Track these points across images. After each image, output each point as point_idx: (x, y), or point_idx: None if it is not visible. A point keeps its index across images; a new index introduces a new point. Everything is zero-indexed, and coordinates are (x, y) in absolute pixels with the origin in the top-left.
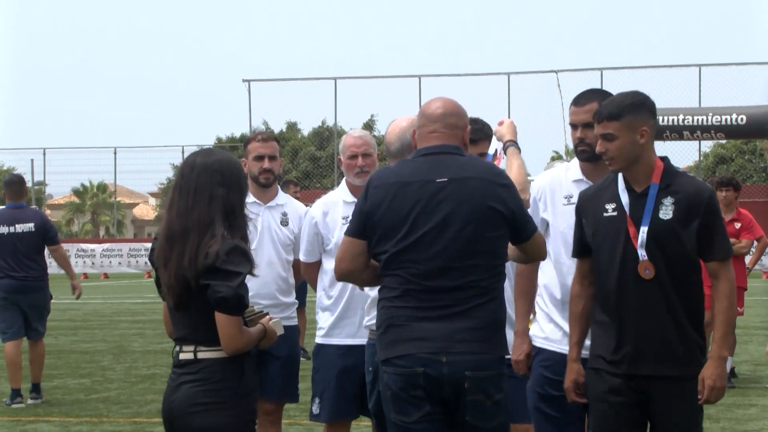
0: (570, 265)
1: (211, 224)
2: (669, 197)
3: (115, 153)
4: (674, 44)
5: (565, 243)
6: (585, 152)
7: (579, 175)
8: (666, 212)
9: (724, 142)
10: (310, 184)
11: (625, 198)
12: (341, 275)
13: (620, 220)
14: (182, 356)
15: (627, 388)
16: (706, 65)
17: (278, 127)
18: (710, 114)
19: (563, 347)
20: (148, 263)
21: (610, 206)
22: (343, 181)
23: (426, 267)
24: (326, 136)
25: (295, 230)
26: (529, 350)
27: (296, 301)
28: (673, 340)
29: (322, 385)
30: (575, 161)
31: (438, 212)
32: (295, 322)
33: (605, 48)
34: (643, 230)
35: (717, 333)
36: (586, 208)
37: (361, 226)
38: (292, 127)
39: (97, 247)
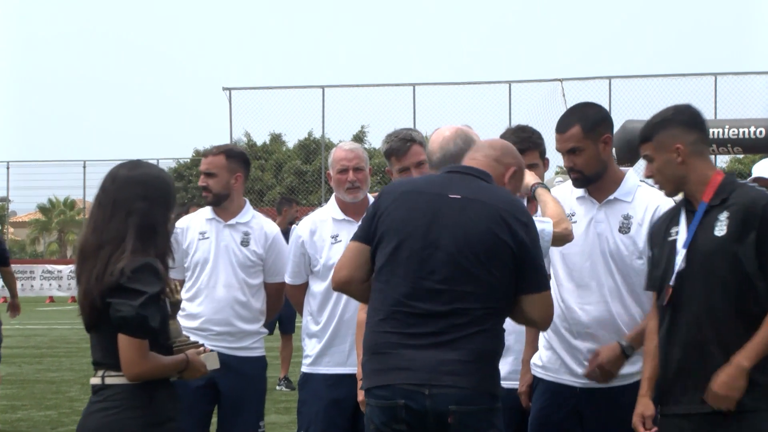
0: (572, 290)
1: (125, 239)
2: (725, 212)
3: (84, 167)
4: (688, 51)
5: (566, 266)
6: (577, 180)
7: (582, 192)
8: (720, 228)
9: (741, 156)
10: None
11: (683, 219)
12: (339, 284)
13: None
14: (93, 381)
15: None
16: (722, 74)
17: (261, 138)
18: (726, 126)
19: (561, 377)
20: None
21: (673, 230)
22: (333, 198)
23: (415, 287)
24: (313, 148)
25: (259, 251)
26: (530, 380)
27: (263, 330)
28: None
29: (309, 418)
30: None
31: (438, 229)
32: (258, 353)
33: (613, 55)
34: (682, 253)
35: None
36: (654, 235)
37: (366, 229)
38: (276, 139)
39: (65, 269)
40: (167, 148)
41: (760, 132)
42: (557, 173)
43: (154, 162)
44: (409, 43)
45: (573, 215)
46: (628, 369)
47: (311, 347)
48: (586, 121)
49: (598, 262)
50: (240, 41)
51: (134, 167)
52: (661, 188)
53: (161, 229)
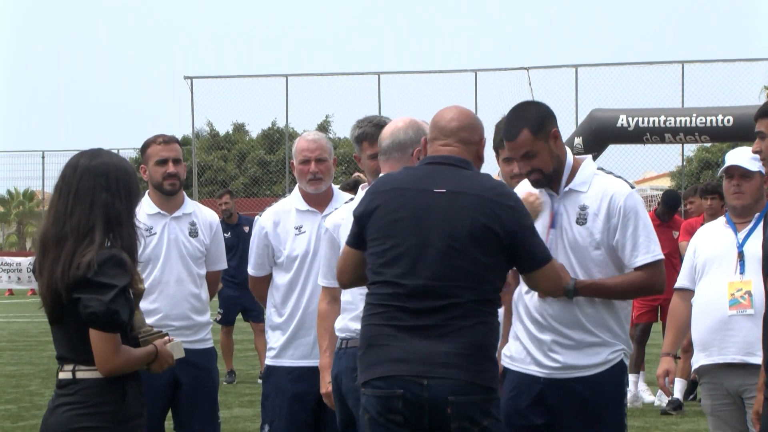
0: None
1: (91, 231)
2: None
3: (43, 157)
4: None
5: None
6: (538, 181)
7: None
8: None
9: (709, 145)
10: (258, 191)
11: None
12: (346, 285)
13: None
14: (61, 376)
15: None
16: (689, 62)
17: (224, 128)
18: (694, 115)
19: (527, 367)
20: None
21: None
22: (296, 188)
23: (410, 283)
24: (276, 138)
25: (206, 241)
26: (500, 370)
27: (211, 320)
28: None
29: (273, 413)
30: None
31: (427, 225)
32: (210, 344)
33: (580, 43)
34: None
35: None
36: None
37: (356, 233)
38: (239, 128)
39: (24, 261)
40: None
41: (728, 120)
42: None
43: (115, 152)
44: (374, 31)
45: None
46: (588, 360)
47: (275, 340)
48: (532, 123)
49: (559, 255)
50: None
51: (95, 156)
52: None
53: (126, 221)
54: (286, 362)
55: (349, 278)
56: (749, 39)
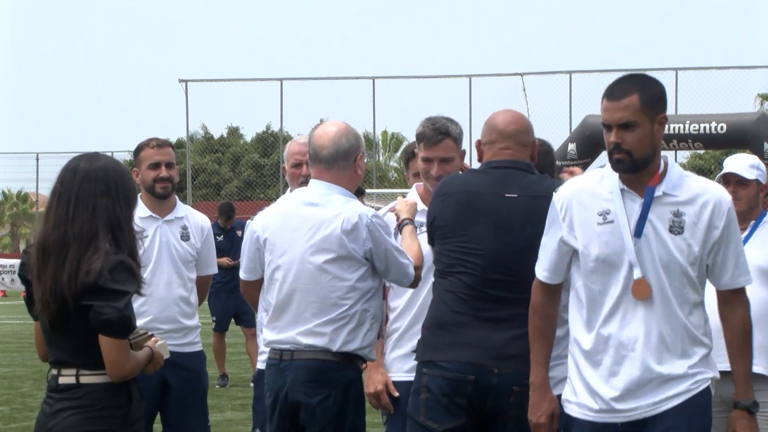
0: (608, 305)
1: (95, 237)
2: None
3: (37, 159)
4: (649, 46)
5: (600, 274)
6: (621, 161)
7: (616, 184)
8: None
9: (702, 152)
10: (252, 195)
11: None
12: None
13: None
14: (62, 380)
15: None
16: (683, 69)
17: (218, 131)
18: (687, 122)
19: (602, 416)
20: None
21: None
22: (288, 192)
23: (488, 276)
24: (271, 142)
25: (197, 245)
26: (553, 411)
27: (200, 324)
28: None
29: (264, 416)
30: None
31: (505, 226)
32: (199, 347)
33: (574, 50)
34: None
35: None
36: None
37: (429, 234)
38: (233, 132)
39: (17, 263)
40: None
41: (721, 127)
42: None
43: (109, 154)
44: (369, 35)
45: (607, 213)
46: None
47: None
48: (646, 92)
49: (648, 272)
50: (197, 32)
51: (94, 160)
52: None
53: (126, 226)
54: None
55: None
56: (744, 47)
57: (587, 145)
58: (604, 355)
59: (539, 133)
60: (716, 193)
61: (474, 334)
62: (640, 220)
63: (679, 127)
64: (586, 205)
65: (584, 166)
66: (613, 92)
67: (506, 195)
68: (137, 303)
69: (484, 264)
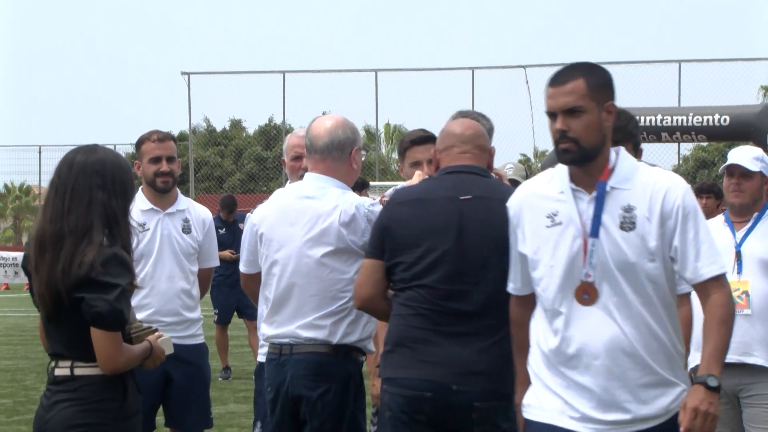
0: (564, 311)
1: (89, 231)
2: None
3: (39, 152)
4: (652, 38)
5: (553, 280)
6: (568, 151)
7: (566, 182)
8: None
9: (705, 144)
10: (255, 188)
11: None
12: (362, 303)
13: None
14: (58, 373)
15: None
16: (686, 61)
17: (221, 124)
18: (691, 114)
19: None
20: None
21: None
22: (287, 184)
23: (446, 288)
24: (273, 135)
25: (199, 237)
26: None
27: (201, 316)
28: None
29: (266, 408)
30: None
31: (461, 231)
32: (201, 340)
33: (577, 42)
34: None
35: None
36: None
37: (377, 245)
38: (236, 124)
39: (20, 255)
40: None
41: (724, 120)
42: (520, 162)
43: (111, 147)
44: (372, 28)
45: (555, 215)
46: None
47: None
48: (592, 77)
49: (597, 272)
50: (200, 25)
51: (91, 153)
52: None
53: (122, 220)
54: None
55: (368, 293)
56: (747, 39)
57: None
58: (565, 364)
59: (542, 125)
60: (668, 182)
61: (435, 350)
62: (594, 220)
63: (682, 120)
64: (536, 208)
65: None
66: (557, 78)
67: (461, 198)
68: (139, 296)
69: (443, 275)
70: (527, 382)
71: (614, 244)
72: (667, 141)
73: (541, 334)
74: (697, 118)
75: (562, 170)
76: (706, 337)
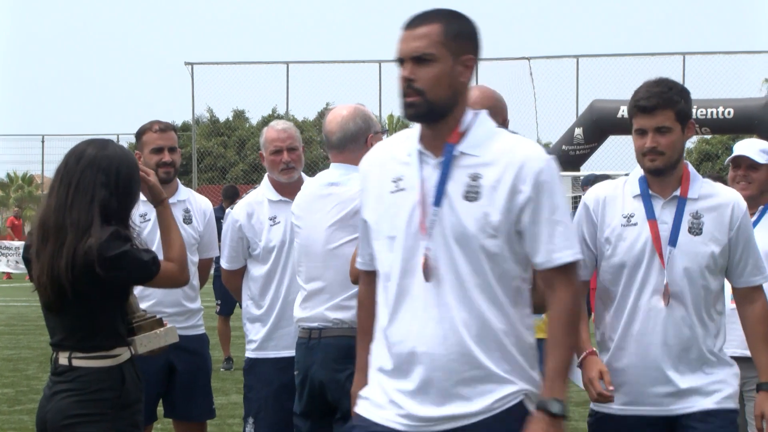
0: (394, 290)
1: (90, 227)
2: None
3: (42, 141)
4: (656, 30)
5: (389, 252)
6: (412, 105)
7: (415, 143)
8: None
9: (709, 137)
10: (258, 178)
11: None
12: (355, 278)
13: None
14: (59, 363)
15: None
16: (690, 53)
17: (224, 115)
18: (695, 107)
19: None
20: None
21: None
22: (266, 178)
23: None
24: None
25: (200, 228)
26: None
27: (202, 306)
28: None
29: (258, 404)
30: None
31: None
32: (202, 330)
33: (581, 33)
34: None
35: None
36: None
37: None
38: (239, 115)
39: (22, 245)
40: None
41: (729, 112)
42: None
43: (114, 137)
44: (376, 19)
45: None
46: None
47: (255, 332)
48: (450, 24)
49: (437, 244)
50: (203, 15)
51: (101, 148)
52: None
53: (125, 219)
54: (271, 354)
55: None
56: (751, 31)
57: (594, 129)
58: (391, 352)
59: (546, 117)
60: (527, 151)
61: None
62: (438, 187)
63: None
64: (383, 170)
65: (591, 151)
66: (412, 20)
67: None
68: (141, 287)
69: None
70: (366, 369)
71: (455, 216)
72: None
73: (379, 314)
74: (702, 111)
75: (417, 130)
76: (549, 348)
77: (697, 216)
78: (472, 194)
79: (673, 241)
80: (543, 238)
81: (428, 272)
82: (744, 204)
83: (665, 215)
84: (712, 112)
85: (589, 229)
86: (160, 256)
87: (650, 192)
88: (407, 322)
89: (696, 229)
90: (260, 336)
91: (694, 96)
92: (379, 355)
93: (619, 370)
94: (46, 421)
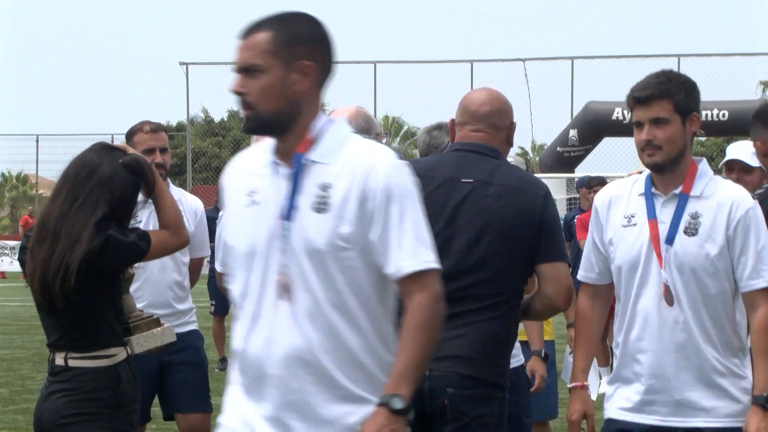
0: (250, 309)
1: (81, 234)
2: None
3: (36, 141)
4: (651, 32)
5: (245, 270)
6: (248, 120)
7: (270, 154)
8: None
9: (704, 139)
10: None
11: None
12: None
13: None
14: (56, 363)
15: None
16: (685, 55)
17: (219, 115)
18: None
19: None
20: None
21: None
22: None
23: None
24: None
25: (191, 228)
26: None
27: (193, 305)
28: None
29: None
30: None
31: (454, 216)
32: (195, 326)
33: (576, 35)
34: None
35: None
36: None
37: None
38: (234, 115)
39: (17, 244)
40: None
41: (723, 115)
42: (518, 154)
43: (108, 138)
44: (371, 20)
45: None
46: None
47: None
48: (282, 29)
49: (289, 260)
50: (198, 15)
51: (113, 161)
52: None
53: (118, 224)
54: None
55: None
56: (746, 34)
57: (589, 131)
58: (246, 375)
59: (540, 118)
60: (377, 158)
61: None
62: (288, 199)
63: None
64: (240, 183)
65: (586, 152)
66: (244, 30)
67: (462, 180)
68: (132, 287)
69: None
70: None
71: (305, 229)
72: None
73: (235, 335)
74: None
75: (272, 141)
76: (401, 347)
77: (695, 216)
78: (321, 205)
79: (670, 240)
80: (393, 248)
81: (282, 290)
82: (748, 202)
83: (664, 214)
84: (706, 115)
85: (598, 232)
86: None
87: (653, 190)
88: (262, 342)
89: (692, 230)
90: None
91: None
92: (236, 378)
93: (622, 377)
94: (42, 421)
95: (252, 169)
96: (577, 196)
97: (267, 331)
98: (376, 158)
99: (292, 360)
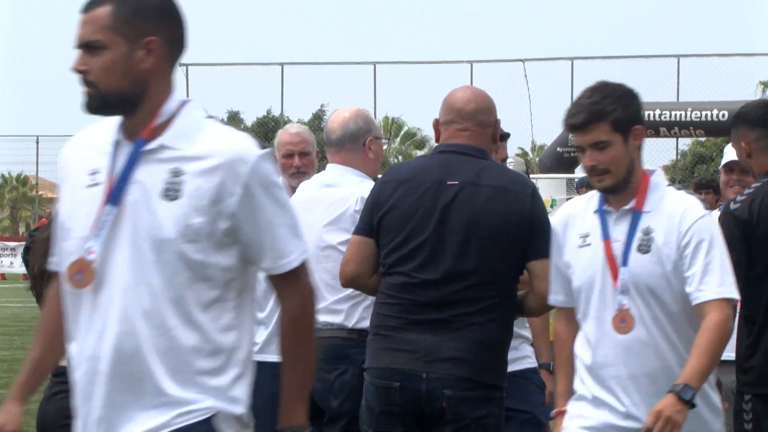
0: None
1: None
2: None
3: (37, 142)
4: (651, 33)
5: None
6: (86, 97)
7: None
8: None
9: (703, 139)
10: None
11: None
12: (347, 280)
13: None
14: (61, 362)
15: None
16: (685, 56)
17: (219, 116)
18: (689, 109)
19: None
20: None
21: None
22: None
23: (422, 277)
24: (271, 127)
25: None
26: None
27: None
28: None
29: (253, 408)
30: None
31: (442, 219)
32: None
33: (576, 36)
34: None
35: None
36: None
37: (368, 221)
38: (234, 116)
39: (17, 246)
40: None
41: (723, 115)
42: (517, 155)
43: None
44: (371, 21)
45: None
46: None
47: (257, 335)
48: (125, 3)
49: (116, 252)
50: (197, 16)
51: None
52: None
53: None
54: (270, 357)
55: (353, 270)
56: (746, 34)
57: None
58: (78, 371)
59: (540, 119)
60: (236, 147)
61: (407, 338)
62: (119, 182)
63: (680, 115)
64: (83, 162)
65: None
66: (85, 3)
67: (448, 183)
68: None
69: (419, 265)
70: None
71: (152, 217)
72: (666, 136)
73: (68, 328)
74: (696, 113)
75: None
76: (283, 367)
77: (647, 231)
78: (172, 192)
79: (625, 260)
80: (266, 244)
81: (92, 279)
82: (699, 211)
83: (618, 232)
84: (706, 115)
85: (558, 255)
86: None
87: (605, 207)
88: (93, 338)
89: (645, 247)
90: (262, 338)
91: (688, 98)
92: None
93: (588, 399)
94: (45, 422)
95: (98, 146)
96: (578, 196)
97: (100, 325)
98: (239, 147)
99: (122, 354)
